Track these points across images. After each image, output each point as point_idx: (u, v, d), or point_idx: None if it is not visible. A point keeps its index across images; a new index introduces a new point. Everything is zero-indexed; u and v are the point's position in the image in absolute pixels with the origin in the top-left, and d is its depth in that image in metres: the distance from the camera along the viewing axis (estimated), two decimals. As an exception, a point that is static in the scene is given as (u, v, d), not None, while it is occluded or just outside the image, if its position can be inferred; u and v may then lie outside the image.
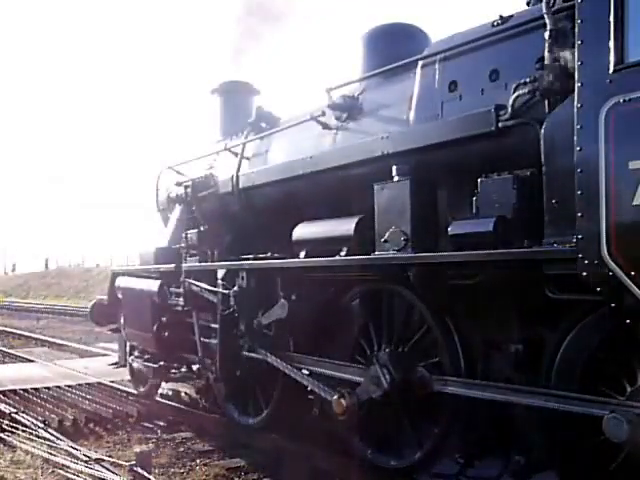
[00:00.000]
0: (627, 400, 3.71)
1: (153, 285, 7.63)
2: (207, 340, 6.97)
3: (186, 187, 7.94)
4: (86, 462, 5.92)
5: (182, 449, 7.05)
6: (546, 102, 4.16)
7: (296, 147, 6.53)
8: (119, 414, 8.30)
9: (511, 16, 4.82)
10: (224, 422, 7.42)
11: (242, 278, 6.30)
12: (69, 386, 10.01)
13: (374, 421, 5.39)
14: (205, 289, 6.85)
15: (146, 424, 8.01)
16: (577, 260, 3.52)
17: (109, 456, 6.32)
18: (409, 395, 4.94)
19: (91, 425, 7.95)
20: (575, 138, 3.58)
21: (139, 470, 5.24)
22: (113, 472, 5.58)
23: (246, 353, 6.40)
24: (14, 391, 9.74)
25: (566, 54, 3.99)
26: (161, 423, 8.00)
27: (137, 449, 5.95)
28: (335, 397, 5.19)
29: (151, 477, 5.27)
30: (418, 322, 5.10)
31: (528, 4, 5.00)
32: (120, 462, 5.78)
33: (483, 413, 4.49)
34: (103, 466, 5.81)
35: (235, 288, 6.35)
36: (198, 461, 6.60)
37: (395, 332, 5.27)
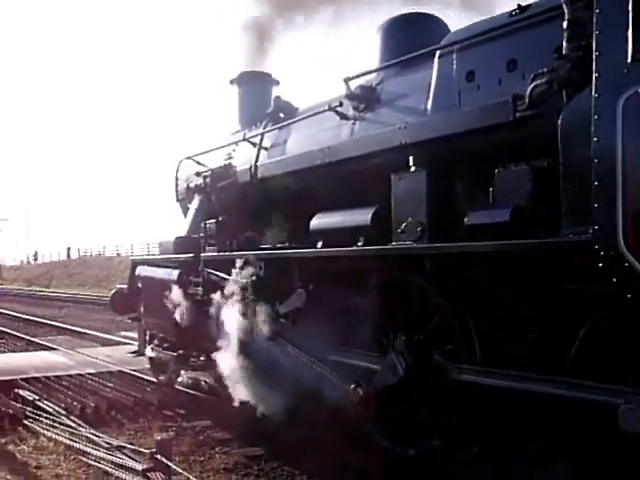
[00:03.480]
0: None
1: (172, 274, 7.69)
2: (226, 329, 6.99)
3: (205, 177, 7.99)
4: (108, 449, 5.97)
5: (202, 437, 7.13)
6: (564, 92, 4.13)
7: (314, 137, 6.55)
8: (140, 402, 8.39)
9: (529, 5, 4.79)
10: (243, 411, 7.46)
11: (260, 268, 6.34)
12: (91, 374, 10.13)
13: (392, 410, 5.40)
14: (224, 278, 6.89)
15: (166, 412, 8.09)
16: (593, 251, 3.51)
17: (130, 443, 6.38)
18: (426, 383, 4.96)
19: (112, 413, 8.02)
20: (592, 128, 3.56)
21: (160, 457, 5.22)
22: (134, 459, 5.61)
23: (264, 342, 6.42)
24: (37, 379, 9.86)
25: (584, 44, 3.96)
26: (181, 411, 8.07)
27: (158, 437, 5.98)
28: (352, 386, 5.22)
29: (171, 464, 5.27)
30: (434, 311, 5.10)
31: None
32: (141, 449, 5.79)
33: (499, 401, 4.49)
34: (124, 453, 5.85)
35: (253, 278, 6.40)
36: (218, 449, 6.66)
37: (411, 321, 5.27)
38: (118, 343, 14.01)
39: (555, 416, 4.10)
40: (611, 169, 3.44)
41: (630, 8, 3.48)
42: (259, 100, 8.58)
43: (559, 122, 3.95)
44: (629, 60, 3.47)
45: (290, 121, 7.23)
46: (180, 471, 5.31)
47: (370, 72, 6.29)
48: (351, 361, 5.55)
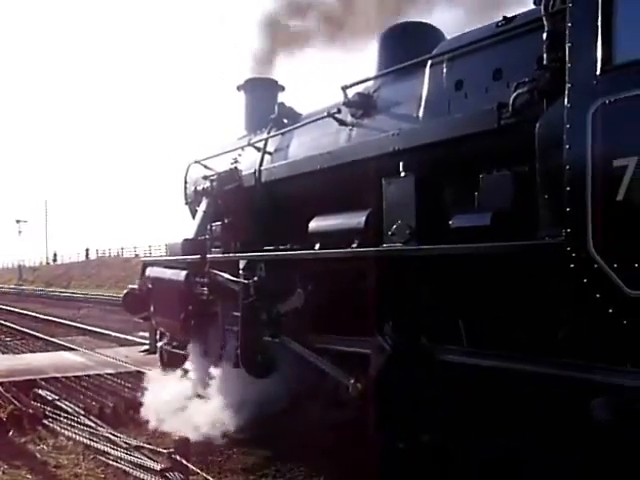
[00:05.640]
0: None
1: (180, 275, 7.92)
2: (230, 327, 7.18)
3: (212, 181, 8.20)
4: (126, 449, 6.10)
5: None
6: (544, 101, 4.31)
7: (315, 143, 6.78)
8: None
9: (515, 17, 4.98)
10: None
11: (261, 269, 6.56)
12: (109, 374, 10.28)
13: (387, 403, 5.49)
14: (228, 279, 7.09)
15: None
16: (565, 253, 3.70)
17: (148, 443, 6.45)
18: (415, 366, 5.05)
19: (131, 413, 8.07)
20: (565, 137, 3.75)
21: (178, 457, 5.33)
22: (152, 459, 5.73)
23: (266, 339, 6.61)
24: (56, 378, 10.03)
25: (561, 55, 4.14)
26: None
27: (175, 437, 6.09)
28: (352, 381, 5.41)
29: (189, 464, 5.37)
30: (422, 304, 5.15)
31: (535, 3, 5.12)
32: (159, 449, 5.88)
33: (486, 385, 4.58)
34: (143, 453, 5.97)
35: (255, 278, 6.61)
36: (235, 449, 6.64)
37: (400, 313, 5.31)
38: (136, 343, 14.07)
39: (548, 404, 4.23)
40: (582, 175, 3.62)
41: (599, 23, 3.67)
42: (265, 106, 8.77)
43: (536, 130, 4.13)
44: (598, 72, 3.65)
45: (293, 127, 7.46)
46: (198, 471, 5.41)
47: (367, 80, 6.50)
48: (345, 348, 5.76)
